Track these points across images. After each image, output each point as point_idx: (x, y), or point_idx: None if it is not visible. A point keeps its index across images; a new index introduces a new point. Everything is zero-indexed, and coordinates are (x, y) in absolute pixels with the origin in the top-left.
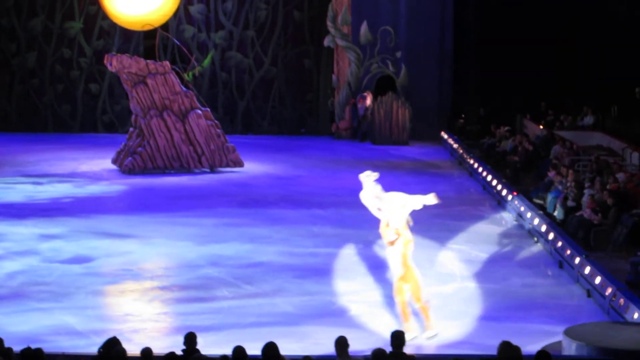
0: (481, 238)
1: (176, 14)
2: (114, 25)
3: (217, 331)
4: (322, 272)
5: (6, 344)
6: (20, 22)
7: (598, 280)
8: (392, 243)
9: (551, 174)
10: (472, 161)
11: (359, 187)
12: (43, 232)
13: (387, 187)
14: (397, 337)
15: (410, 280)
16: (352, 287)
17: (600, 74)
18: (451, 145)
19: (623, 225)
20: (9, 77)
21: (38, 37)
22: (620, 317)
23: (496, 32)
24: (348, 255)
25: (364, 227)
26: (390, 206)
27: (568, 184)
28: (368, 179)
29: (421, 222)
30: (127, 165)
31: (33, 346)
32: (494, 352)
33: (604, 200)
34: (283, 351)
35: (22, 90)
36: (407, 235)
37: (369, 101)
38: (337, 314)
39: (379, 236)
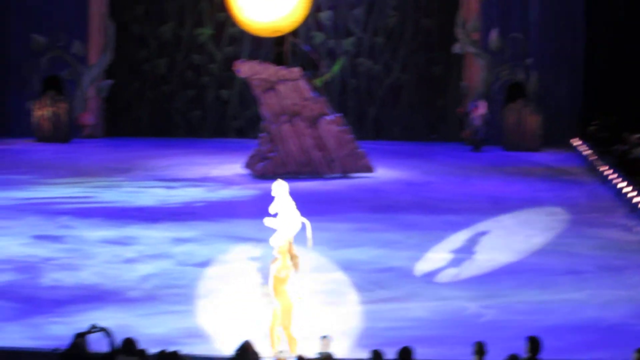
0: (614, 245)
1: (306, 20)
2: (244, 32)
3: (351, 336)
4: (455, 277)
5: (141, 346)
6: (150, 29)
7: None
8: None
9: None
10: (604, 168)
11: (492, 193)
12: (176, 235)
13: (518, 194)
14: (533, 342)
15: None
16: (485, 292)
17: None
18: (583, 152)
19: None
20: (141, 83)
21: (169, 43)
22: None
23: (629, 38)
24: (482, 261)
25: (499, 233)
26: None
27: None
28: (278, 188)
29: (552, 229)
30: (259, 170)
31: (166, 349)
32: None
33: None
34: (417, 356)
35: (153, 96)
36: (286, 260)
37: (482, 110)
38: (471, 320)
39: (512, 242)
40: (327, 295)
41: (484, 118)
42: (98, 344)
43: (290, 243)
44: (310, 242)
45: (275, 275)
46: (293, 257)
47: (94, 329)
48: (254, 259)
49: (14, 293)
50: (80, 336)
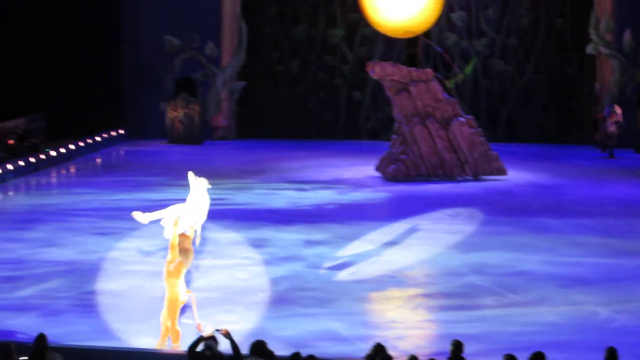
0: None
1: (438, 21)
2: (376, 33)
3: (482, 340)
4: (587, 281)
5: (272, 348)
6: (283, 30)
7: None
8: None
9: None
10: None
11: (624, 196)
12: (307, 238)
13: None
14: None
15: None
16: (617, 297)
17: None
18: None
19: None
20: (273, 84)
21: (301, 44)
22: None
23: None
24: (614, 266)
25: (632, 236)
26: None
27: None
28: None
29: None
30: (391, 173)
31: (299, 351)
32: None
33: None
34: None
35: (286, 98)
36: (175, 253)
37: (618, 116)
38: (602, 325)
39: None
40: (458, 298)
41: (619, 124)
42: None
43: (185, 237)
44: (198, 240)
45: (166, 267)
46: (186, 252)
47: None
48: (385, 261)
49: (147, 294)
50: (210, 339)
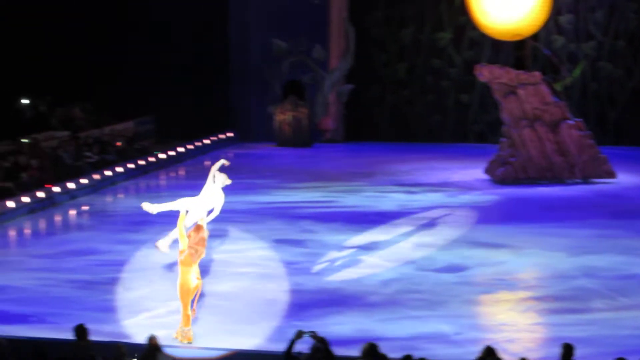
0: None
1: (546, 24)
2: (484, 36)
3: (592, 343)
4: None
5: (382, 351)
6: (390, 33)
7: None
8: None
9: None
10: None
11: None
12: (417, 240)
13: None
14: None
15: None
16: None
17: None
18: None
19: None
20: (380, 87)
21: (408, 47)
22: None
23: None
24: None
25: None
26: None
27: None
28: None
29: None
30: (499, 175)
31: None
32: None
33: None
34: None
35: (393, 101)
36: (183, 242)
37: None
38: None
39: None
40: (568, 301)
41: None
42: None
43: (200, 229)
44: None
45: (178, 256)
46: (203, 242)
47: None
48: (494, 264)
49: (256, 297)
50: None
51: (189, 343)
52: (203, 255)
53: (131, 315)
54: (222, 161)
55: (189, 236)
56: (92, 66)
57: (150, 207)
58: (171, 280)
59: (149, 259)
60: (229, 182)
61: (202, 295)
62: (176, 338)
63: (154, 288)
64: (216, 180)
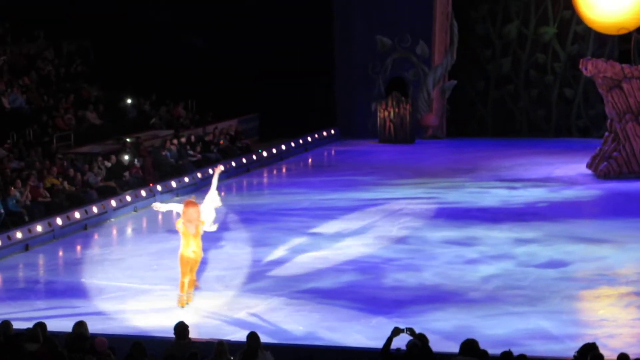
0: None
1: None
2: (588, 30)
3: None
4: None
5: (481, 347)
6: (494, 28)
7: None
8: None
9: None
10: None
11: None
12: (518, 236)
13: None
14: None
15: None
16: None
17: None
18: None
19: None
20: (484, 83)
21: (513, 42)
22: None
23: None
24: None
25: None
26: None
27: None
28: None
29: None
30: (603, 170)
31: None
32: None
33: None
34: None
35: (498, 96)
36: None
37: None
38: None
39: None
40: None
41: None
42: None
43: (186, 205)
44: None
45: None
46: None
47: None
48: (596, 259)
49: (357, 293)
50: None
51: (182, 307)
52: (200, 230)
53: (233, 312)
54: (220, 168)
55: (183, 213)
56: (196, 65)
57: (161, 207)
58: (276, 277)
59: (254, 256)
60: (219, 204)
61: (304, 292)
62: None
63: (256, 287)
64: (210, 196)
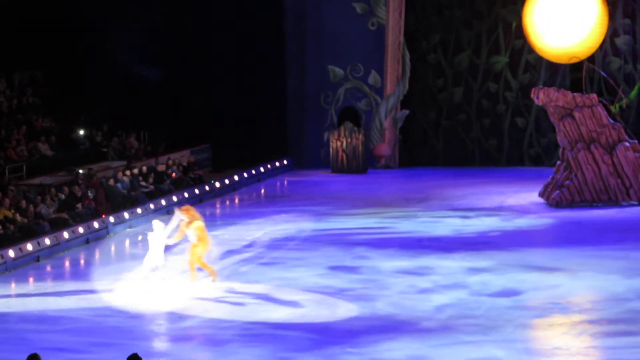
0: None
1: (602, 45)
2: (540, 59)
3: None
4: None
5: None
6: (446, 57)
7: None
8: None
9: None
10: None
11: None
12: (471, 265)
13: None
14: None
15: None
16: None
17: None
18: None
19: None
20: (436, 112)
21: (464, 72)
22: None
23: None
24: None
25: None
26: None
27: None
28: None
29: None
30: (555, 199)
31: None
32: None
33: None
34: None
35: (450, 126)
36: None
37: None
38: None
39: None
40: (623, 324)
41: None
42: None
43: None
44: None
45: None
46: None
47: None
48: (549, 288)
49: (310, 324)
50: None
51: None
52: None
53: (187, 343)
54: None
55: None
56: (148, 96)
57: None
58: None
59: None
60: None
61: (257, 322)
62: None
63: (210, 317)
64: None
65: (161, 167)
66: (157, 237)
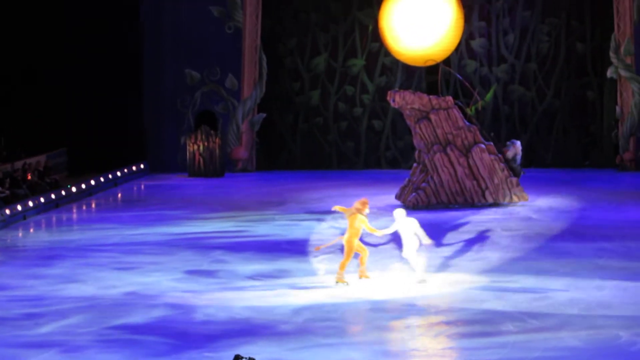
0: None
1: (458, 48)
2: (396, 62)
3: None
4: (608, 305)
5: None
6: (303, 61)
7: None
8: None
9: None
10: None
11: None
12: (328, 268)
13: None
14: None
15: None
16: (639, 320)
17: None
18: None
19: None
20: (293, 116)
21: (321, 75)
22: None
23: None
24: (635, 289)
25: None
26: None
27: None
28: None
29: None
30: (411, 201)
31: None
32: None
33: None
34: None
35: (307, 129)
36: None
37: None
38: (624, 348)
39: None
40: (479, 325)
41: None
42: None
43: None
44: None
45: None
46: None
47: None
48: (405, 289)
49: (167, 329)
50: None
51: (344, 284)
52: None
53: (43, 350)
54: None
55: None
56: (3, 100)
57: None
58: (86, 314)
59: (64, 293)
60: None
61: (115, 328)
62: (337, 281)
63: (66, 323)
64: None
65: (17, 173)
66: (403, 227)
